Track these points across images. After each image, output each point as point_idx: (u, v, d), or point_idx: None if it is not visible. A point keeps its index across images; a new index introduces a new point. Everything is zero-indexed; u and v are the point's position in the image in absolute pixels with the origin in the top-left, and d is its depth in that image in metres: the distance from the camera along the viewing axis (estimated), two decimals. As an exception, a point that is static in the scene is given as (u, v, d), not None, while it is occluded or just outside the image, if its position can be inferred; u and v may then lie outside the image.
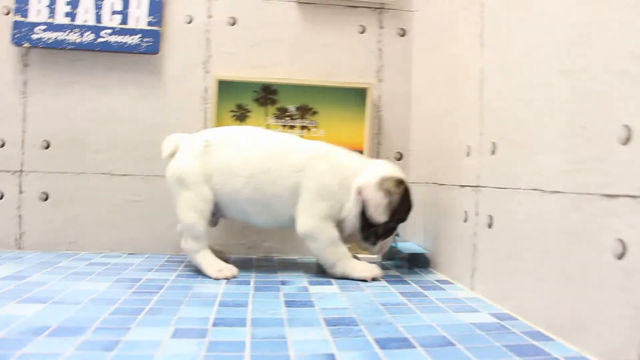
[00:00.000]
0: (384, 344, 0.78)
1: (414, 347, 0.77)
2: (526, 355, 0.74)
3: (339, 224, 1.28)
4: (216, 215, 1.35)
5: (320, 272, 1.31)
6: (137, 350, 0.72)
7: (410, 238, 1.58)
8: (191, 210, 1.25)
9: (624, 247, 0.69)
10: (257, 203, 1.28)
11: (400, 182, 1.25)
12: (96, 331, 0.80)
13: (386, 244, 1.31)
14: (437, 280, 1.26)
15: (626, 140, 0.69)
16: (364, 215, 1.24)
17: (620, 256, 0.69)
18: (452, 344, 0.78)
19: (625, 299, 0.68)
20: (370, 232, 1.27)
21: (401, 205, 1.24)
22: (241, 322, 0.87)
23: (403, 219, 1.28)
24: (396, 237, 1.44)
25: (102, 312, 0.90)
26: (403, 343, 0.78)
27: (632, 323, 0.66)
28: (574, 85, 0.81)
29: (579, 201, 0.78)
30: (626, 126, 0.69)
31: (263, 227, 1.36)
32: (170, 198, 1.31)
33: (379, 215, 1.22)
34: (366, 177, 1.25)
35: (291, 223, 1.29)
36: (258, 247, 1.57)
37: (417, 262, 1.44)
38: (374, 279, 1.23)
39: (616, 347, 0.69)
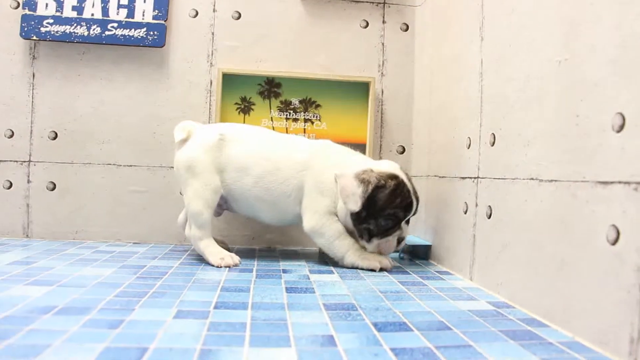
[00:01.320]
0: (381, 327, 0.79)
1: (411, 330, 0.78)
2: (521, 339, 0.76)
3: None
4: (222, 207, 1.38)
5: (323, 261, 1.33)
6: (141, 328, 0.74)
7: (411, 231, 1.60)
8: (198, 199, 1.27)
9: (618, 233, 0.70)
10: (265, 201, 1.31)
11: (392, 177, 1.22)
12: (101, 311, 0.82)
13: (386, 246, 1.26)
14: (437, 271, 1.27)
15: (620, 128, 0.70)
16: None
17: (614, 242, 0.71)
18: (449, 329, 0.80)
19: (618, 284, 0.69)
20: (362, 228, 1.24)
21: (390, 199, 1.20)
22: (242, 306, 0.88)
23: (397, 216, 1.22)
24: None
25: (106, 295, 0.92)
26: (401, 327, 0.80)
27: (625, 307, 0.68)
28: (569, 75, 0.82)
29: (574, 189, 0.79)
30: (620, 114, 0.70)
31: (269, 223, 1.39)
32: (178, 184, 1.35)
33: (352, 203, 1.19)
34: (351, 168, 1.24)
35: (297, 220, 1.33)
36: (261, 238, 1.59)
37: (419, 254, 1.46)
38: (382, 269, 1.24)
39: (609, 332, 0.71)
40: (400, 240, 1.27)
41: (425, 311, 0.89)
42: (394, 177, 1.23)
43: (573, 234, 0.80)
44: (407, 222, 1.28)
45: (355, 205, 1.19)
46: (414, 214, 1.27)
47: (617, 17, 0.72)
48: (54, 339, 0.68)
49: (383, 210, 1.21)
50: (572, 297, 0.79)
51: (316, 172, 1.28)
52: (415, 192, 1.26)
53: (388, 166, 1.27)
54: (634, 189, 0.67)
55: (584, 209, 0.77)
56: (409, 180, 1.26)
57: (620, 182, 0.70)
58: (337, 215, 1.28)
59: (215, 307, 0.87)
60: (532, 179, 0.91)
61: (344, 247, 1.26)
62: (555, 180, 0.84)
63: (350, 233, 1.28)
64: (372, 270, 1.24)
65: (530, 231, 0.92)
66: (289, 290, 1.02)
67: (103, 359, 0.62)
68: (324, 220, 1.26)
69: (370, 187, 1.19)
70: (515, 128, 0.99)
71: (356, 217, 1.23)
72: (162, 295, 0.94)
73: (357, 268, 1.26)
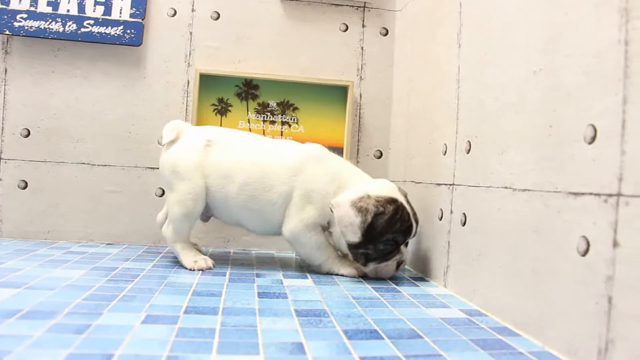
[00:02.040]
0: (352, 335, 0.79)
1: (382, 338, 0.78)
2: (492, 349, 0.76)
3: (330, 233, 1.27)
4: (207, 214, 1.35)
5: (298, 265, 1.32)
6: (108, 333, 0.73)
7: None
8: (180, 206, 1.23)
9: (588, 244, 0.70)
10: (250, 209, 1.26)
11: (390, 201, 1.16)
12: (68, 315, 0.80)
13: (385, 271, 1.21)
14: (411, 277, 1.27)
15: (592, 140, 0.71)
16: None
17: (584, 253, 0.71)
18: (420, 337, 0.80)
19: (587, 295, 0.70)
20: (358, 253, 1.19)
21: (389, 224, 1.15)
22: (213, 311, 0.87)
23: (397, 240, 1.18)
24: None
25: (75, 298, 0.90)
26: (372, 334, 0.80)
27: (594, 318, 0.68)
28: (544, 85, 0.83)
29: (547, 199, 0.80)
30: (592, 125, 0.71)
31: (253, 231, 1.34)
32: (163, 184, 1.36)
33: (351, 234, 1.15)
34: (347, 193, 1.19)
35: (281, 230, 1.28)
36: (237, 241, 1.57)
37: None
38: (361, 276, 1.23)
39: (578, 342, 0.71)
40: (399, 263, 1.22)
41: (397, 319, 0.89)
42: (393, 201, 1.17)
43: (546, 244, 0.80)
44: (406, 244, 1.24)
45: (355, 236, 1.15)
46: (413, 237, 1.23)
47: (592, 29, 0.72)
48: (17, 344, 0.66)
49: (382, 236, 1.15)
50: (544, 307, 0.79)
51: (307, 178, 1.23)
52: (414, 214, 1.20)
53: (385, 188, 1.21)
54: (604, 201, 0.68)
55: (556, 219, 0.77)
56: (408, 201, 1.21)
57: (591, 194, 0.70)
58: (321, 227, 1.25)
59: (186, 312, 0.86)
60: (506, 187, 0.92)
61: (323, 255, 1.25)
62: (529, 190, 0.85)
63: (344, 255, 1.26)
64: (353, 276, 1.23)
65: (504, 239, 0.92)
66: (261, 295, 1.01)
67: (66, 366, 0.61)
68: (306, 231, 1.23)
69: (369, 217, 1.13)
70: (490, 136, 0.99)
71: (353, 243, 1.17)
72: (132, 298, 0.92)
73: (334, 274, 1.25)
